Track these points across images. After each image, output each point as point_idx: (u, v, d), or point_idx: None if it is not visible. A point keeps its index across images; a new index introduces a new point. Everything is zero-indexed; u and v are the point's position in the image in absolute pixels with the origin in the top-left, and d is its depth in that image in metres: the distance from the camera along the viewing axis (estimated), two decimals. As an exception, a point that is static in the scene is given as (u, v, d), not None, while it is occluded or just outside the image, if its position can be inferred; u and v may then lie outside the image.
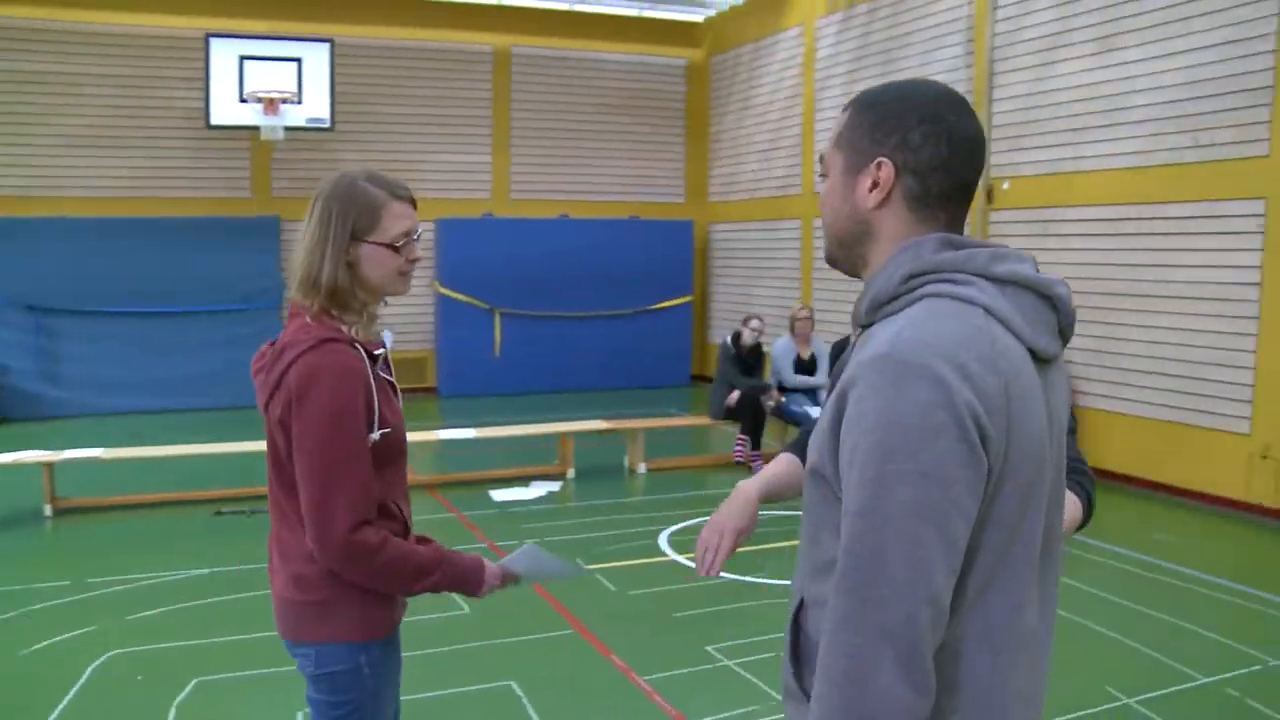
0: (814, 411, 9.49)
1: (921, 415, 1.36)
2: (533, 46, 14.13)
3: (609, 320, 14.01)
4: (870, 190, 1.55)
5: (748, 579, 6.13)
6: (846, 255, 1.63)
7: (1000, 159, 9.98)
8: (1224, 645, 5.21)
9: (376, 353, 2.37)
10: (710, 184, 15.08)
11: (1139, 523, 7.69)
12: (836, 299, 11.84)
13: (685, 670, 4.85)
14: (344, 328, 2.32)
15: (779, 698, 4.52)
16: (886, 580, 1.36)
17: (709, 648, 5.08)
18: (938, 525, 1.36)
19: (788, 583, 6.13)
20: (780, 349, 9.81)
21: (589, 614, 5.51)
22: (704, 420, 9.95)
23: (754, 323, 9.68)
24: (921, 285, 1.49)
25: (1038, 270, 1.52)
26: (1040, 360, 1.49)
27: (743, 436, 9.46)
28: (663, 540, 6.98)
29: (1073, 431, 2.42)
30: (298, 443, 2.26)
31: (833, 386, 1.54)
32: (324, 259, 2.29)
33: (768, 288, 13.73)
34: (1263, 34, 7.61)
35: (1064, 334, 1.54)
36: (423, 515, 7.45)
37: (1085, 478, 2.31)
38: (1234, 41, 7.79)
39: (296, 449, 2.27)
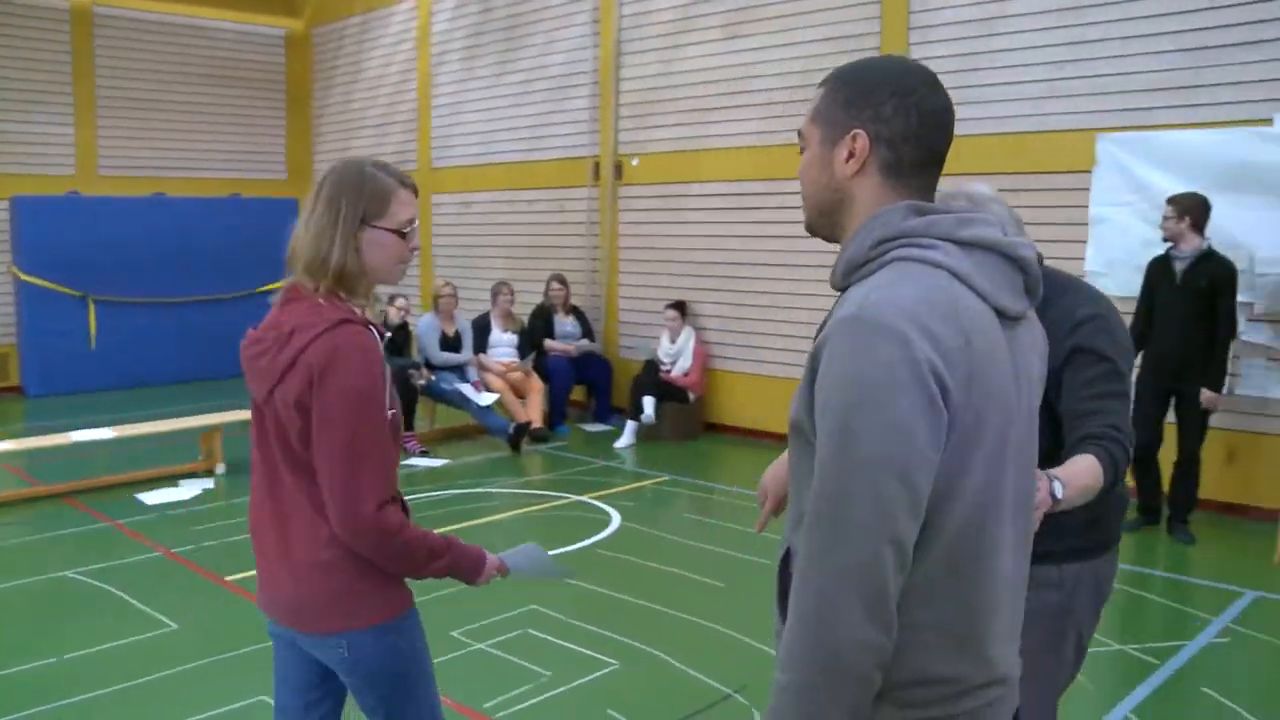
0: (464, 388, 9.49)
1: (885, 371, 1.45)
2: (117, 7, 12.84)
3: (214, 305, 13.04)
4: (847, 160, 1.64)
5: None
6: (827, 223, 1.72)
7: (629, 136, 10.42)
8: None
9: (386, 335, 2.29)
10: (316, 160, 14.49)
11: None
12: (463, 275, 11.83)
13: (441, 659, 4.69)
14: (355, 309, 2.34)
15: (546, 674, 4.58)
16: (852, 525, 1.45)
17: (454, 633, 5.00)
18: (900, 473, 1.45)
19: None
20: (425, 326, 9.71)
21: (312, 614, 5.22)
22: (351, 404, 9.61)
23: (400, 301, 9.49)
24: (890, 250, 1.58)
25: (1006, 234, 1.63)
26: (1007, 318, 1.60)
27: (396, 418, 9.26)
28: (350, 531, 6.73)
29: (1117, 396, 2.45)
30: (321, 423, 2.24)
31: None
32: (334, 242, 2.31)
33: (384, 266, 13.42)
34: (868, 32, 8.51)
35: (1031, 292, 1.66)
36: (75, 528, 6.73)
37: (1115, 445, 2.39)
38: (844, 37, 8.64)
39: (319, 429, 2.25)
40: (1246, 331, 7.12)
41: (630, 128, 10.40)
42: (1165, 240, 6.69)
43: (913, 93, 1.61)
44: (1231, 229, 6.85)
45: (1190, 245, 6.54)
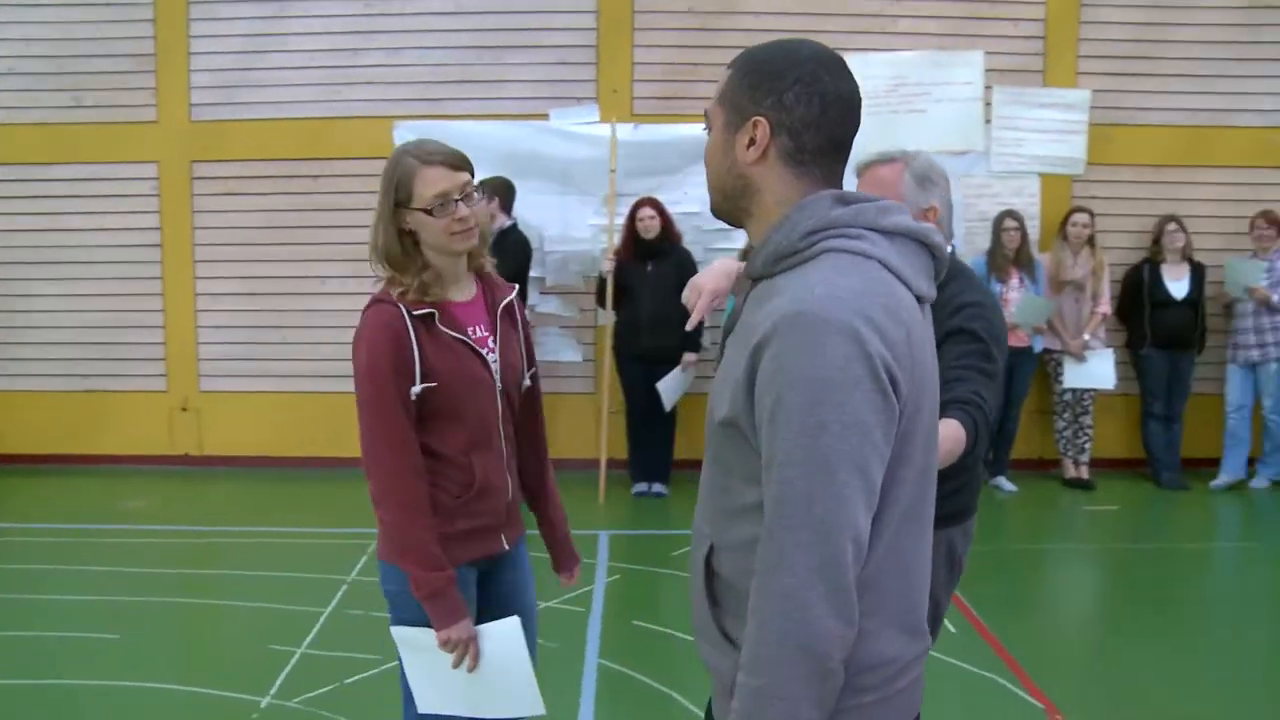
0: None
1: (840, 368, 1.46)
2: None
3: None
4: (748, 147, 1.63)
5: None
6: (731, 207, 1.71)
7: None
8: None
9: (418, 313, 2.50)
10: None
11: (97, 498, 7.48)
12: None
13: None
14: (396, 290, 2.52)
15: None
16: (815, 523, 1.47)
17: None
18: (859, 469, 1.48)
19: None
20: None
21: None
22: None
23: None
24: (821, 240, 1.58)
25: (913, 220, 1.68)
26: (921, 303, 1.66)
27: None
28: None
29: (983, 372, 2.54)
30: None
31: (727, 333, 1.66)
32: (380, 229, 2.54)
33: None
34: (143, 3, 7.76)
35: (937, 275, 1.72)
36: None
37: (977, 410, 2.44)
38: (113, 5, 7.78)
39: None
40: (539, 303, 7.90)
41: None
42: (476, 221, 7.14)
43: (817, 80, 1.60)
44: (524, 212, 7.49)
45: (497, 224, 7.06)
